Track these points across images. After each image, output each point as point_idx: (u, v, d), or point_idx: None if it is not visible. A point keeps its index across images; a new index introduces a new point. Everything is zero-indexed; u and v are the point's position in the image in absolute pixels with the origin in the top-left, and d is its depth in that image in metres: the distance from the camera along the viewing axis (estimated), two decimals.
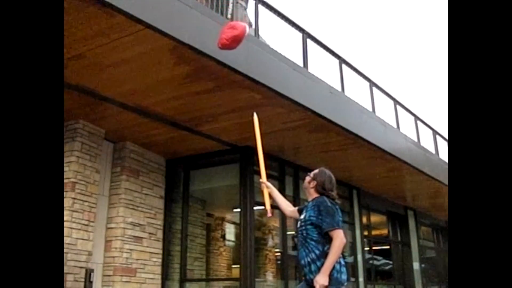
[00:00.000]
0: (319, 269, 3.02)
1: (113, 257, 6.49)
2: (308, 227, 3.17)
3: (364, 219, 9.98)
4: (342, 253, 3.18)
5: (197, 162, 7.65)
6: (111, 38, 4.34)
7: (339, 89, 7.16)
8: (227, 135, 6.77)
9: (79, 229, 5.97)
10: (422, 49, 40.22)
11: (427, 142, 10.28)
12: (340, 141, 7.00)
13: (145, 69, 4.97)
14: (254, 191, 6.92)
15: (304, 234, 3.19)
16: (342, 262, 3.13)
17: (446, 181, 9.33)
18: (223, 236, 9.94)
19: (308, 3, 37.17)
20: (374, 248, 10.70)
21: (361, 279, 9.11)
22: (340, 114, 6.52)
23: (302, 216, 3.31)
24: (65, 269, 5.66)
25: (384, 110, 8.61)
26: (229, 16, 5.96)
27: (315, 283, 2.98)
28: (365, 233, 9.92)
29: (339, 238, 3.03)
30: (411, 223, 11.63)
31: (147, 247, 6.93)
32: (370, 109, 7.92)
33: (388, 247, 11.80)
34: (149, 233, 7.02)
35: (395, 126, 8.71)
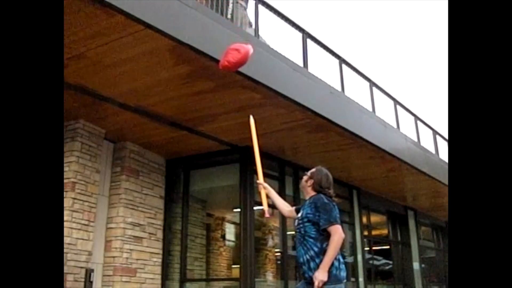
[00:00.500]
0: (318, 266, 3.02)
1: (113, 257, 6.49)
2: (306, 224, 3.18)
3: (364, 219, 9.98)
4: (342, 253, 3.18)
5: (197, 162, 7.65)
6: (111, 38, 4.34)
7: (339, 89, 7.16)
8: (227, 135, 6.77)
9: (79, 229, 5.97)
10: (422, 49, 40.23)
11: (427, 142, 10.29)
12: (340, 141, 7.00)
13: (145, 69, 4.97)
14: (254, 191, 6.92)
15: (302, 232, 3.19)
16: (341, 259, 3.13)
17: (446, 181, 9.34)
18: (223, 236, 9.93)
19: (308, 3, 37.19)
20: (374, 248, 10.70)
21: (361, 279, 9.11)
22: (340, 114, 6.52)
23: (299, 214, 3.33)
24: (65, 269, 5.66)
25: (384, 110, 8.63)
26: (229, 16, 5.96)
27: (314, 279, 2.97)
28: (365, 233, 9.91)
29: (337, 233, 3.03)
30: (411, 223, 11.63)
31: (147, 247, 6.93)
32: (370, 109, 7.92)
33: (388, 247, 11.80)
34: (149, 233, 7.02)
35: (395, 126, 8.71)
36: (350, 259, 9.15)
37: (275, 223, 8.66)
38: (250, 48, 4.08)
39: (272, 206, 3.94)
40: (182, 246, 7.40)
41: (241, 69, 4.92)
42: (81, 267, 5.91)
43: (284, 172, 7.74)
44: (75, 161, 6.07)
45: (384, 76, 37.70)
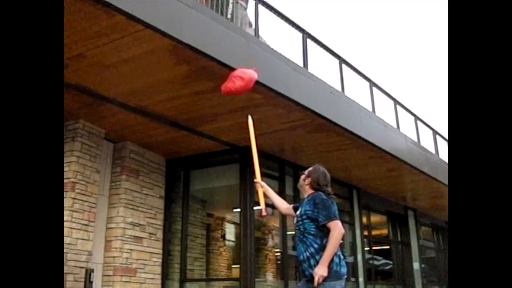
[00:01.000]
0: (318, 263, 3.01)
1: (113, 257, 6.49)
2: (305, 221, 3.17)
3: (364, 219, 9.98)
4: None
5: (197, 162, 7.65)
6: (111, 38, 4.34)
7: (339, 89, 7.15)
8: (227, 135, 6.77)
9: (79, 229, 5.97)
10: (422, 49, 40.23)
11: (427, 142, 10.29)
12: (340, 141, 7.00)
13: (145, 69, 4.96)
14: (253, 191, 6.92)
15: (302, 229, 3.19)
16: (341, 256, 3.12)
17: (446, 181, 9.34)
18: (223, 236, 9.94)
19: (308, 3, 37.19)
20: (374, 248, 10.70)
21: (361, 279, 9.11)
22: (340, 114, 6.52)
23: (298, 212, 3.32)
24: (65, 269, 5.66)
25: (384, 110, 8.63)
26: (229, 16, 5.95)
27: (314, 275, 2.95)
28: (365, 233, 9.91)
29: (337, 228, 3.03)
30: (411, 223, 11.63)
31: (147, 247, 6.93)
32: (370, 109, 7.92)
33: (388, 247, 11.81)
34: (149, 233, 7.02)
35: (395, 126, 8.71)
36: (350, 259, 9.15)
37: (275, 223, 8.67)
38: (254, 74, 4.03)
39: (271, 205, 3.94)
40: (182, 246, 7.40)
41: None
42: (81, 267, 5.91)
43: (284, 172, 7.74)
44: (75, 161, 6.07)
45: (384, 76, 37.72)
